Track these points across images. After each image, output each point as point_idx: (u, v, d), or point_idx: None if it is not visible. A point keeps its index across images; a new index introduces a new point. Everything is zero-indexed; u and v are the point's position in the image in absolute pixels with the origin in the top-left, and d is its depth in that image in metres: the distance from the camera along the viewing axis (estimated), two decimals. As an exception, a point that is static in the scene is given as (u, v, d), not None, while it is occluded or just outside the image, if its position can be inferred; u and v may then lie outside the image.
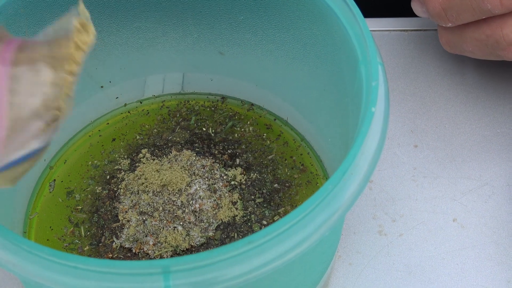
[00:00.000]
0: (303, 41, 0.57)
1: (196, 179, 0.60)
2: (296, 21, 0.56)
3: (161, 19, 0.61)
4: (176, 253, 0.57)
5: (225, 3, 0.59)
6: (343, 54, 0.51)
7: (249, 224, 0.59)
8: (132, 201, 0.59)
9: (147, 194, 0.59)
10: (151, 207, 0.58)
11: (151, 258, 0.57)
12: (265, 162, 0.63)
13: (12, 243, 0.40)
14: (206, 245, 0.58)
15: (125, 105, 0.68)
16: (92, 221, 0.60)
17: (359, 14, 0.49)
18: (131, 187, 0.60)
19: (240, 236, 0.58)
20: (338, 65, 0.53)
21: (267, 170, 0.63)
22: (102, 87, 0.65)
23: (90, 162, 0.64)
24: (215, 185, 0.60)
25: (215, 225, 0.58)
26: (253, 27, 0.60)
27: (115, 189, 0.62)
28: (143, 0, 0.59)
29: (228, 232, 0.58)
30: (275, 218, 0.59)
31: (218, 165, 0.62)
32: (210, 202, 0.59)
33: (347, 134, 0.51)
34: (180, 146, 0.64)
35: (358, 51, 0.48)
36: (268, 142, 0.65)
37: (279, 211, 0.60)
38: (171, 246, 0.57)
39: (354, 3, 0.49)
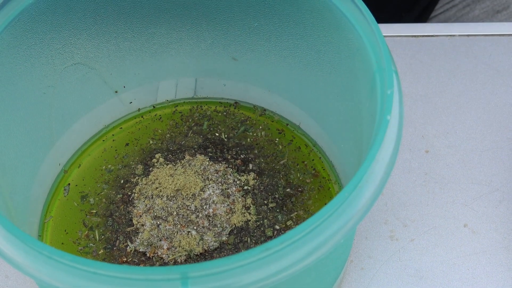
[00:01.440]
0: (317, 48, 0.57)
1: (209, 184, 0.60)
2: (310, 28, 0.56)
3: (176, 25, 0.62)
4: (190, 257, 0.57)
5: (239, 10, 0.59)
6: (357, 61, 0.51)
7: (262, 228, 0.59)
8: (146, 205, 0.60)
9: (161, 199, 0.59)
10: (165, 211, 0.59)
11: (165, 262, 0.57)
12: (278, 167, 0.64)
13: (32, 248, 0.40)
14: (220, 249, 0.58)
15: (139, 110, 0.69)
16: (106, 225, 0.61)
17: (374, 22, 0.49)
18: (145, 192, 0.61)
19: (253, 241, 0.58)
20: (352, 72, 0.53)
21: (280, 175, 0.63)
22: (116, 92, 0.66)
23: (104, 167, 0.65)
24: (229, 190, 0.61)
25: (229, 230, 0.59)
26: (267, 33, 0.60)
27: (129, 193, 0.62)
28: (158, 7, 0.60)
29: (241, 237, 0.59)
30: (288, 222, 0.60)
31: (231, 170, 0.63)
32: (223, 207, 0.59)
33: (361, 140, 0.52)
34: (193, 150, 0.65)
35: (373, 59, 0.48)
36: (280, 147, 0.66)
37: (291, 215, 0.60)
38: (185, 251, 0.57)
39: (368, 10, 0.50)
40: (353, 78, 0.54)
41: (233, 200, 0.60)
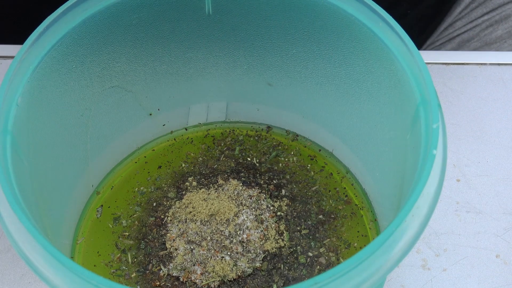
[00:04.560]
0: (355, 77, 0.57)
1: (243, 209, 0.60)
2: (349, 57, 0.56)
3: (213, 50, 0.62)
4: (224, 282, 0.57)
5: (278, 36, 0.59)
6: (399, 92, 0.51)
7: (295, 255, 0.59)
8: (179, 229, 0.60)
9: (195, 223, 0.59)
10: (199, 236, 0.59)
11: (198, 287, 0.57)
12: (310, 193, 0.64)
13: (81, 277, 0.40)
14: (253, 276, 0.58)
15: (171, 132, 0.69)
16: (139, 248, 0.61)
17: (417, 53, 0.49)
18: (179, 216, 0.61)
19: (287, 267, 0.58)
20: (392, 102, 0.54)
21: (312, 201, 0.63)
22: (150, 114, 0.66)
23: (136, 189, 0.65)
24: (262, 216, 0.61)
25: (262, 256, 0.59)
26: (304, 60, 0.60)
27: (162, 216, 0.62)
28: (197, 32, 0.60)
29: (275, 263, 0.59)
30: (321, 249, 0.60)
31: (264, 195, 0.63)
32: (257, 232, 0.59)
33: (400, 171, 0.52)
34: (226, 175, 0.65)
35: (416, 91, 0.48)
36: (312, 173, 0.66)
37: (324, 242, 0.60)
38: (219, 276, 0.57)
39: (411, 41, 0.50)
40: (393, 109, 0.54)
41: (267, 226, 0.60)
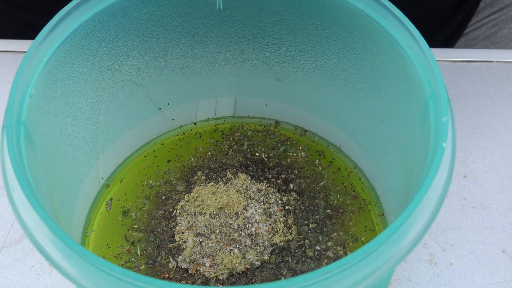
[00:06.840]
0: (364, 72, 0.58)
1: (252, 203, 0.61)
2: (359, 52, 0.57)
3: (223, 45, 0.63)
4: (232, 275, 0.58)
5: (287, 32, 0.60)
6: (408, 87, 0.52)
7: (303, 249, 0.60)
8: (188, 222, 0.60)
9: (204, 216, 0.60)
10: (208, 229, 0.59)
11: (207, 279, 0.58)
12: (318, 188, 0.64)
13: (95, 267, 0.41)
14: (261, 268, 0.58)
15: (180, 126, 0.69)
16: (148, 241, 0.61)
17: (427, 48, 0.49)
18: (188, 209, 0.61)
19: (295, 261, 0.59)
20: (401, 97, 0.54)
21: (320, 195, 0.64)
22: (160, 109, 0.67)
23: (145, 182, 0.65)
24: (271, 210, 0.61)
25: (270, 249, 0.59)
26: (313, 55, 0.61)
27: (171, 209, 0.63)
28: (207, 26, 0.60)
29: (283, 256, 0.59)
30: (329, 243, 0.60)
31: (272, 189, 0.63)
32: (265, 226, 0.60)
33: (409, 165, 0.52)
34: (234, 169, 0.65)
35: (426, 85, 0.49)
36: (320, 168, 0.66)
37: (332, 236, 0.61)
38: (227, 268, 0.58)
39: (421, 36, 0.50)
40: (402, 103, 0.54)
41: (275, 219, 0.61)
